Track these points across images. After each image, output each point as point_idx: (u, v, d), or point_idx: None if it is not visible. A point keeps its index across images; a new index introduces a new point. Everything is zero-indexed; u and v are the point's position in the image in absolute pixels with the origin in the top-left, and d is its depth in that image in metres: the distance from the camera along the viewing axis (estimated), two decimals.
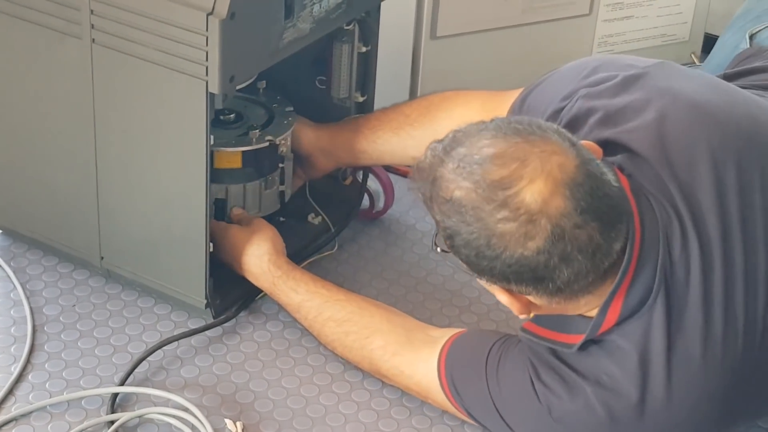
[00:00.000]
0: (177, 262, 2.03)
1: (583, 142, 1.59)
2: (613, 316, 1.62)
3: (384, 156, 2.19)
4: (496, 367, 1.75)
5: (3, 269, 2.15)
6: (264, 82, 2.21)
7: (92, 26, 1.90)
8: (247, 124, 2.14)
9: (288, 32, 1.96)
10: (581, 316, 1.67)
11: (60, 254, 2.18)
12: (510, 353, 1.75)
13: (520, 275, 1.55)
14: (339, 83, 2.25)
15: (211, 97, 1.85)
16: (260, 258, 2.03)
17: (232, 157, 2.08)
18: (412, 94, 2.51)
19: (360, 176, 2.33)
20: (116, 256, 2.10)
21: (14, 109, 2.08)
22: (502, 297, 1.63)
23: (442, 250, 1.62)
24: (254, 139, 2.09)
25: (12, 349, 1.98)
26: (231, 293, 2.10)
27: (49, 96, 2.02)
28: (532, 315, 1.68)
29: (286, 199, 2.19)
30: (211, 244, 2.00)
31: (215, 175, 2.01)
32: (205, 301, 2.03)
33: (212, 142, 1.92)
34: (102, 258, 2.11)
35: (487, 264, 1.54)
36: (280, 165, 2.15)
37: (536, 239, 1.50)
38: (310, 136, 2.21)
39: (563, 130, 1.56)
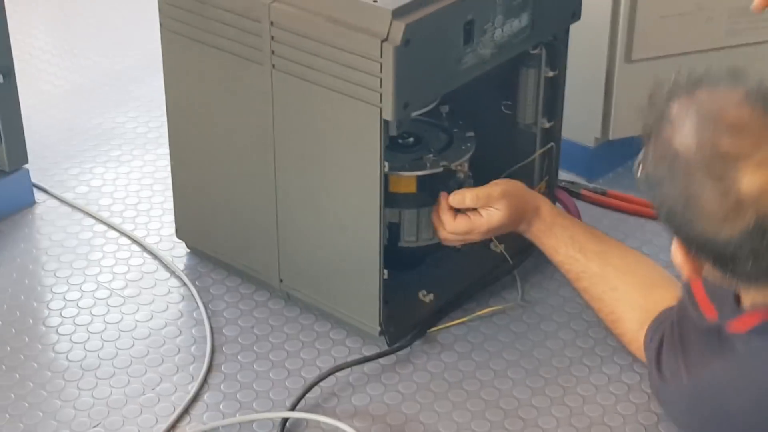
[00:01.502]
0: (352, 287, 2.02)
1: None
2: (753, 319, 1.52)
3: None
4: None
5: (188, 288, 2.19)
6: (447, 106, 2.18)
7: (272, 52, 1.92)
8: (425, 149, 2.11)
9: (467, 58, 1.92)
10: (737, 298, 1.58)
11: (242, 275, 2.21)
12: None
13: (704, 249, 1.46)
14: (525, 108, 2.20)
15: (384, 123, 1.84)
16: (524, 209, 2.06)
17: (406, 181, 2.06)
18: (605, 120, 2.43)
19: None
20: (294, 279, 2.11)
21: (203, 131, 2.11)
22: (677, 254, 1.53)
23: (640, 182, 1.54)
24: (428, 164, 2.06)
25: (190, 368, 2.01)
26: (406, 321, 2.07)
27: (234, 120, 2.05)
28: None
29: None
30: (386, 271, 1.98)
31: (390, 199, 1.99)
32: (379, 329, 2.02)
33: (387, 168, 1.90)
34: (281, 280, 2.12)
35: (676, 222, 1.46)
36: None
37: (734, 226, 1.39)
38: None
39: None
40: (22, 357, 2.03)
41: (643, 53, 2.36)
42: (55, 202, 2.45)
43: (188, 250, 2.29)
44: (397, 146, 2.08)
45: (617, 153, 2.50)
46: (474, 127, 2.19)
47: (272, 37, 1.90)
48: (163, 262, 2.26)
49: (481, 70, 1.97)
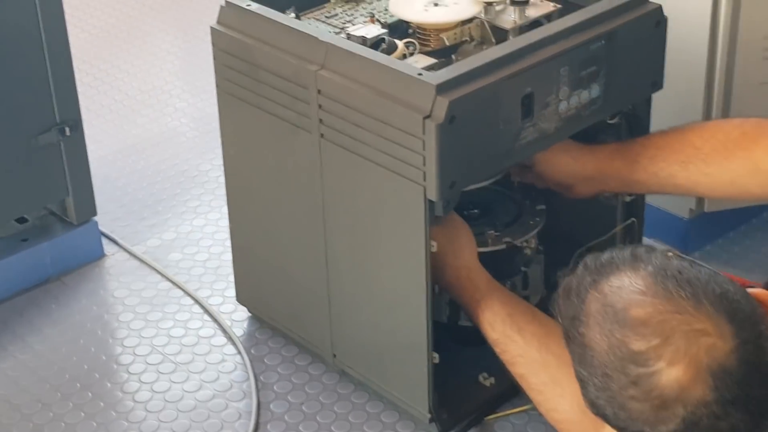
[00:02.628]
0: (401, 369, 1.91)
1: (758, 293, 1.34)
2: None
3: (667, 188, 1.92)
4: None
5: (242, 357, 2.10)
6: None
7: (320, 121, 1.82)
8: (490, 222, 1.97)
9: (526, 132, 1.79)
10: None
11: (299, 345, 2.11)
12: None
13: None
14: None
15: (429, 203, 1.72)
16: (458, 270, 1.86)
17: None
18: None
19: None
20: (347, 355, 2.00)
21: (258, 195, 2.03)
22: None
23: None
24: (490, 240, 1.93)
25: None
26: (462, 406, 1.94)
27: (286, 187, 1.96)
28: None
29: (532, 302, 2.01)
30: (437, 355, 1.85)
31: None
32: (429, 415, 1.89)
33: (435, 248, 1.78)
34: (334, 356, 2.02)
35: (612, 424, 1.33)
36: (523, 269, 1.98)
37: (667, 425, 1.28)
38: (570, 165, 1.97)
39: (732, 295, 1.31)
40: (63, 425, 1.97)
41: None
42: (124, 255, 2.40)
43: (249, 314, 2.20)
44: (463, 218, 1.95)
45: (714, 225, 2.33)
46: (549, 198, 2.05)
47: (320, 106, 1.80)
48: (222, 327, 2.18)
49: (544, 144, 1.83)
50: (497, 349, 1.83)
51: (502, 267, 1.95)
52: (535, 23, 1.91)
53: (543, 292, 2.05)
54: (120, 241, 2.42)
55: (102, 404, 2.02)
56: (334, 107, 1.78)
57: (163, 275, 2.33)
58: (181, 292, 2.28)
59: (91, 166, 2.64)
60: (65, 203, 2.32)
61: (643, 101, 1.97)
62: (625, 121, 1.99)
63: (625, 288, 1.33)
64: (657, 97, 1.99)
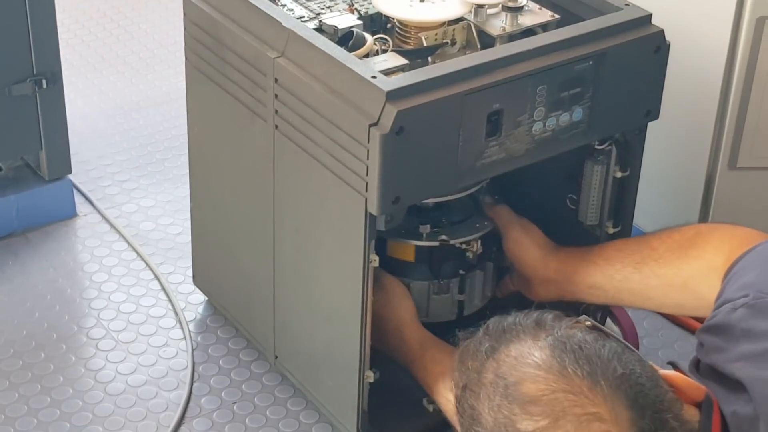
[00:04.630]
0: (334, 382, 1.79)
1: (672, 376, 1.22)
2: None
3: (622, 294, 1.79)
4: None
5: (186, 343, 2.00)
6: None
7: (276, 111, 1.69)
8: (439, 217, 1.83)
9: (491, 151, 1.65)
10: None
11: (248, 340, 2.00)
12: None
13: None
14: (588, 207, 1.89)
15: (371, 216, 1.59)
16: (397, 329, 1.78)
17: (403, 249, 1.81)
18: None
19: (597, 318, 1.95)
20: (288, 359, 1.89)
21: (216, 176, 1.92)
22: None
23: None
24: (425, 235, 1.80)
25: None
26: (395, 431, 1.82)
27: (242, 173, 1.84)
28: None
29: (466, 311, 1.88)
30: (374, 373, 1.73)
31: (388, 264, 1.77)
32: None
33: (376, 263, 1.65)
34: (276, 357, 1.91)
35: None
36: (462, 272, 1.84)
37: None
38: (536, 260, 1.86)
39: (636, 377, 1.18)
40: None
41: (751, 161, 2.01)
42: (96, 218, 2.30)
43: (206, 298, 2.10)
44: (413, 208, 1.81)
45: None
46: (534, 217, 1.91)
47: (276, 95, 1.68)
48: (174, 308, 2.08)
49: (512, 165, 1.69)
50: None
51: (438, 265, 1.82)
52: (528, 32, 1.76)
53: (483, 301, 1.91)
54: (95, 202, 2.33)
55: (29, 375, 1.93)
56: (288, 99, 1.66)
57: (129, 244, 2.23)
58: (142, 264, 2.18)
59: (88, 119, 2.58)
60: (39, 157, 2.23)
61: (636, 130, 1.81)
62: (616, 148, 1.83)
63: (520, 359, 1.21)
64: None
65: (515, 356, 1.21)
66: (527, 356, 1.21)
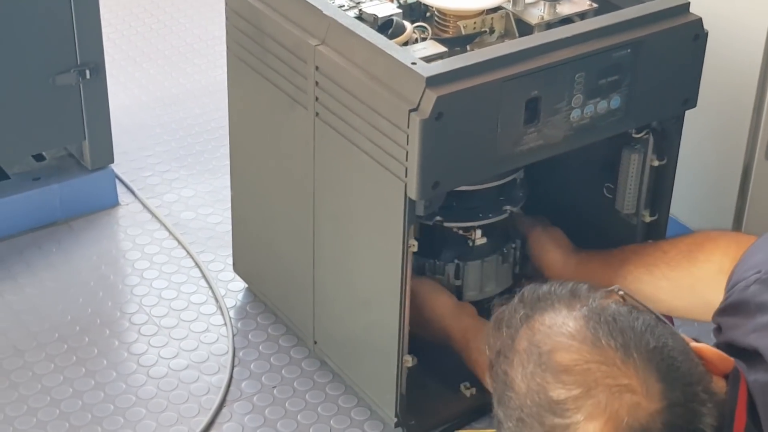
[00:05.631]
0: (373, 367, 1.81)
1: (702, 348, 1.23)
2: None
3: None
4: None
5: (227, 329, 2.03)
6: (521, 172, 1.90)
7: (316, 99, 1.72)
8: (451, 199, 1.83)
9: (529, 137, 1.66)
10: None
11: (287, 326, 2.03)
12: None
13: None
14: (625, 196, 1.91)
15: (410, 201, 1.61)
16: (440, 326, 1.83)
17: None
18: (737, 220, 2.10)
19: None
20: (327, 345, 1.91)
21: (258, 165, 1.95)
22: None
23: None
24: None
25: (191, 422, 1.86)
26: (433, 415, 1.84)
27: (282, 161, 1.87)
28: None
29: (464, 298, 1.89)
30: (412, 358, 1.75)
31: None
32: (395, 419, 1.79)
33: (415, 248, 1.67)
34: (315, 343, 1.93)
35: None
36: (457, 261, 1.87)
37: None
38: (556, 261, 1.92)
39: (668, 350, 1.19)
40: (31, 374, 1.93)
41: None
42: (138, 207, 2.34)
43: (246, 285, 2.13)
44: None
45: None
46: (571, 206, 1.93)
47: (317, 83, 1.71)
48: (215, 295, 2.11)
49: (550, 152, 1.71)
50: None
51: (431, 245, 1.83)
52: (566, 21, 1.78)
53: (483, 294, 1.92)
54: (137, 192, 2.37)
55: (74, 358, 1.96)
56: (329, 86, 1.68)
57: (170, 232, 2.26)
58: (183, 253, 2.21)
59: (129, 111, 2.61)
60: (82, 147, 2.27)
61: (674, 119, 1.82)
62: (653, 137, 1.84)
63: (555, 328, 1.22)
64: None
65: (549, 325, 1.23)
66: (561, 326, 1.22)
